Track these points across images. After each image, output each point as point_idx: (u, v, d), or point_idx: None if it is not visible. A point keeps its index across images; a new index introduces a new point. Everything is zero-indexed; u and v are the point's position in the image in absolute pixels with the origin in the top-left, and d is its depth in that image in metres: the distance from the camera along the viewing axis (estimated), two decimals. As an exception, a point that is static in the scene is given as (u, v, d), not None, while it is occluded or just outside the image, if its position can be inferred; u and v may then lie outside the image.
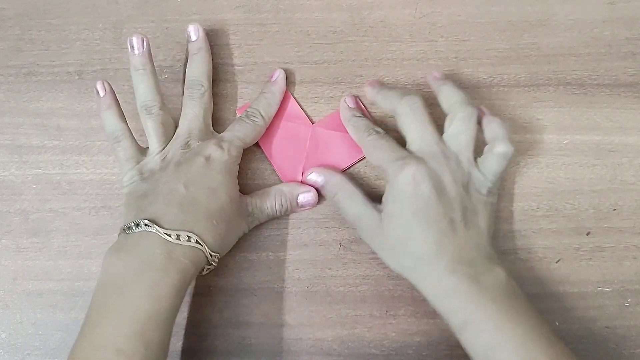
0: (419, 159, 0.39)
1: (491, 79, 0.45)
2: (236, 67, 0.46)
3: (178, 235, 0.37)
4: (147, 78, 0.41)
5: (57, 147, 0.45)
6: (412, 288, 0.43)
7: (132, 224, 0.37)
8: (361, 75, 0.45)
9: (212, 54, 0.45)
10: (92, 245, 0.44)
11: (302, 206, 0.43)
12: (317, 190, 0.43)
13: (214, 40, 0.46)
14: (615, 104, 0.44)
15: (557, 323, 0.43)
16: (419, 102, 0.40)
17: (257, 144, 0.44)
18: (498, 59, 0.45)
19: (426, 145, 0.39)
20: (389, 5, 0.46)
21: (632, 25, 0.45)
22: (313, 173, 0.43)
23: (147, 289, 0.35)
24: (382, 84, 0.44)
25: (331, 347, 0.43)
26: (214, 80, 0.45)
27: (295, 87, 0.45)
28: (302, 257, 0.44)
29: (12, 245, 0.45)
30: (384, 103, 0.42)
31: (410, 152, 0.40)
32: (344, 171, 0.44)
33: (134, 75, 0.41)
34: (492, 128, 0.39)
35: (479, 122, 0.40)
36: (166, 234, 0.36)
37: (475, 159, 0.39)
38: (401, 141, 0.41)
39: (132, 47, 0.41)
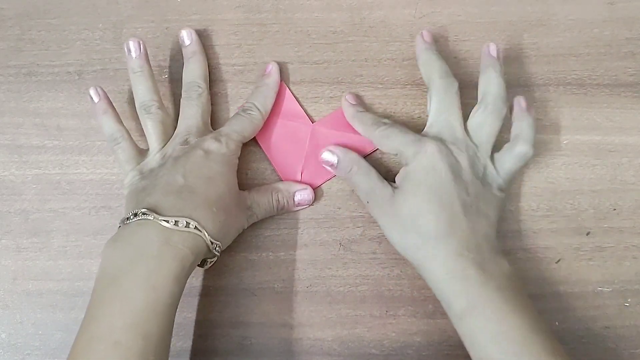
0: (437, 139, 0.39)
1: (491, 79, 0.45)
2: (236, 67, 0.46)
3: (176, 221, 0.36)
4: (145, 79, 0.42)
5: (57, 147, 0.45)
6: (412, 288, 0.43)
7: (130, 214, 0.37)
8: (361, 75, 0.45)
9: (212, 54, 0.45)
10: (92, 245, 0.44)
11: (299, 204, 0.43)
12: (313, 188, 0.44)
13: (214, 40, 0.46)
14: (615, 104, 0.44)
15: (557, 323, 0.43)
16: (455, 87, 0.40)
17: (257, 143, 0.45)
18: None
19: (449, 129, 0.40)
20: (389, 5, 0.46)
21: (632, 25, 0.45)
22: (327, 152, 0.43)
23: (143, 279, 0.35)
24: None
25: (331, 347, 0.43)
26: (214, 81, 0.45)
27: (295, 87, 0.45)
28: (302, 257, 0.44)
29: (12, 245, 0.45)
30: (425, 68, 0.42)
31: (427, 134, 0.40)
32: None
33: (132, 78, 0.42)
34: (521, 126, 0.39)
35: (511, 111, 0.40)
36: (164, 220, 0.36)
37: (492, 153, 0.40)
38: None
39: (129, 50, 0.42)
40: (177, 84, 0.45)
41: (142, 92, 0.42)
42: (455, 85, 0.40)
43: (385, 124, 0.41)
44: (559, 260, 0.43)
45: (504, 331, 0.35)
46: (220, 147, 0.40)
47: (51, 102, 0.46)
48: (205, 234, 0.37)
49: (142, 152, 0.42)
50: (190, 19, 0.46)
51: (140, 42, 0.42)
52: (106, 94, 0.43)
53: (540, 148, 0.44)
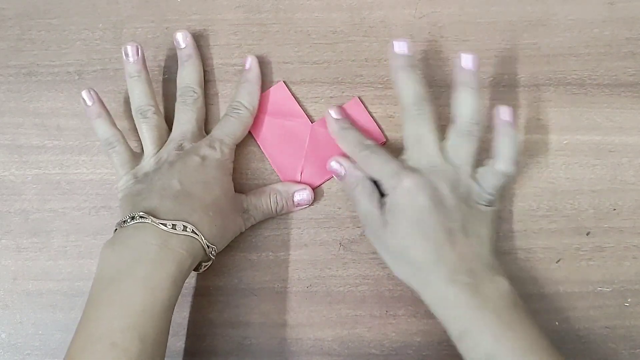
0: (414, 170, 0.39)
1: (491, 79, 0.45)
2: (236, 67, 0.46)
3: (174, 225, 0.37)
4: (142, 84, 0.42)
5: (57, 147, 0.45)
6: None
7: (127, 217, 0.37)
8: (361, 75, 0.45)
9: (212, 54, 0.45)
10: (92, 245, 0.44)
11: (298, 204, 0.43)
12: (313, 188, 0.44)
13: (214, 40, 0.46)
14: (615, 104, 0.44)
15: (557, 323, 0.43)
16: (428, 112, 0.39)
17: (256, 143, 0.44)
18: (498, 59, 0.45)
19: (425, 156, 0.39)
20: (389, 5, 0.46)
21: (632, 25, 0.45)
22: (335, 162, 0.43)
23: (141, 281, 0.35)
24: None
25: (331, 347, 0.43)
26: (214, 81, 0.45)
27: (295, 87, 0.45)
28: (302, 257, 0.44)
29: (12, 245, 0.45)
30: (398, 90, 0.40)
31: (405, 161, 0.40)
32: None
33: (129, 82, 0.42)
34: (503, 142, 0.38)
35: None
36: (162, 223, 0.36)
37: (474, 170, 0.39)
38: (401, 143, 0.41)
39: (127, 54, 0.42)
40: (176, 85, 0.45)
41: (139, 96, 0.42)
42: (429, 108, 0.39)
43: (367, 147, 0.41)
44: (559, 260, 0.43)
45: (501, 353, 0.35)
46: (215, 153, 0.40)
47: (51, 102, 0.46)
48: (202, 237, 0.38)
49: (136, 156, 0.42)
50: (190, 19, 0.46)
51: (138, 46, 0.42)
52: (99, 96, 0.42)
53: (540, 148, 0.44)
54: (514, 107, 0.44)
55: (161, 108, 0.45)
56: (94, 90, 0.42)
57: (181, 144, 0.41)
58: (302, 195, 0.43)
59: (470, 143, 0.39)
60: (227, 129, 0.42)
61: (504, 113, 0.39)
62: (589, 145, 0.44)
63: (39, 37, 0.46)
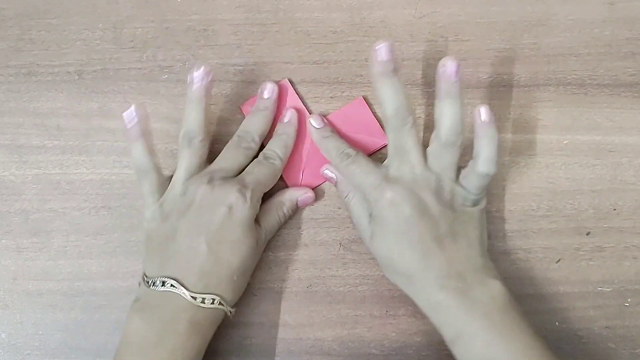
0: (396, 181, 0.38)
1: (491, 79, 0.45)
2: (236, 67, 0.46)
3: (203, 299, 0.37)
4: (200, 111, 0.40)
5: (57, 147, 0.45)
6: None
7: (157, 280, 0.38)
8: (361, 75, 0.45)
9: (212, 54, 0.46)
10: (92, 245, 0.44)
11: (303, 205, 0.44)
12: (314, 187, 0.44)
13: (214, 40, 0.46)
14: (615, 104, 0.44)
15: (557, 323, 0.43)
16: (409, 123, 0.38)
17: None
18: (498, 59, 0.45)
19: (407, 166, 0.39)
20: (389, 5, 0.46)
21: (632, 25, 0.45)
22: (327, 169, 0.43)
23: (169, 353, 0.36)
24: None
25: (331, 347, 0.43)
26: (213, 81, 0.45)
27: (295, 87, 0.45)
28: (302, 257, 0.44)
29: (12, 245, 0.45)
30: (379, 98, 0.39)
31: (388, 168, 0.40)
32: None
33: (187, 104, 0.40)
34: (481, 143, 0.38)
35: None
36: (192, 297, 0.37)
37: (457, 173, 0.39)
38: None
39: (192, 80, 0.40)
40: (177, 84, 0.45)
41: (191, 122, 0.40)
42: (410, 119, 0.38)
43: (348, 156, 0.40)
44: (559, 260, 0.43)
45: (491, 356, 0.35)
46: (245, 205, 0.39)
47: (51, 102, 0.46)
48: (227, 306, 0.39)
49: (166, 183, 0.41)
50: (191, 19, 0.46)
51: (209, 71, 0.40)
52: (147, 115, 0.40)
53: (540, 148, 0.44)
54: (514, 107, 0.45)
55: (161, 108, 0.45)
56: (143, 107, 0.40)
57: (212, 177, 0.40)
58: (305, 197, 0.43)
59: (452, 153, 0.39)
60: (260, 176, 0.41)
61: (484, 114, 0.37)
62: (589, 145, 0.44)
63: (39, 37, 0.46)
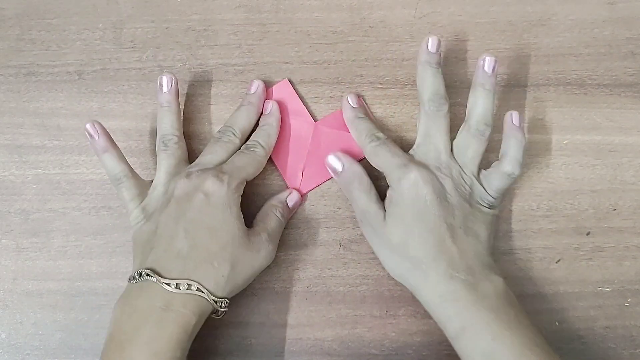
0: (421, 164, 0.39)
1: (491, 79, 0.45)
2: (236, 67, 0.46)
3: (177, 284, 0.36)
4: (171, 115, 0.42)
5: (57, 147, 0.45)
6: (412, 288, 0.43)
7: (136, 273, 0.37)
8: (361, 75, 0.45)
9: (212, 54, 0.46)
10: (92, 245, 0.44)
11: (293, 208, 0.44)
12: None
13: (214, 40, 0.46)
14: (615, 104, 0.44)
15: (557, 323, 0.43)
16: (444, 110, 0.39)
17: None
18: (498, 59, 0.45)
19: (434, 152, 0.40)
20: (389, 5, 0.46)
21: (632, 25, 0.45)
22: (333, 157, 0.42)
23: (145, 346, 0.35)
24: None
25: (331, 347, 0.43)
26: (214, 81, 0.45)
27: (296, 87, 0.45)
28: (302, 257, 0.44)
29: (12, 245, 0.45)
30: (419, 84, 0.40)
31: (413, 156, 0.40)
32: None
33: (159, 111, 0.42)
34: (509, 144, 0.39)
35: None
36: (165, 283, 0.36)
37: (479, 171, 0.40)
38: (401, 142, 0.41)
39: (161, 84, 0.42)
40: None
41: (165, 126, 0.42)
42: (445, 107, 0.39)
43: (378, 139, 0.41)
44: (559, 260, 0.43)
45: (498, 351, 0.35)
46: (221, 188, 0.39)
47: (51, 102, 0.46)
48: (208, 294, 0.37)
49: (146, 187, 0.41)
50: (190, 19, 0.46)
51: (173, 77, 0.42)
52: (105, 129, 0.41)
53: (540, 148, 0.44)
54: (514, 108, 0.45)
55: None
56: (98, 123, 0.41)
57: (190, 171, 0.40)
58: (292, 198, 0.43)
59: (479, 143, 0.39)
60: (238, 163, 0.41)
61: (515, 117, 0.39)
62: (589, 145, 0.44)
63: (39, 37, 0.46)
